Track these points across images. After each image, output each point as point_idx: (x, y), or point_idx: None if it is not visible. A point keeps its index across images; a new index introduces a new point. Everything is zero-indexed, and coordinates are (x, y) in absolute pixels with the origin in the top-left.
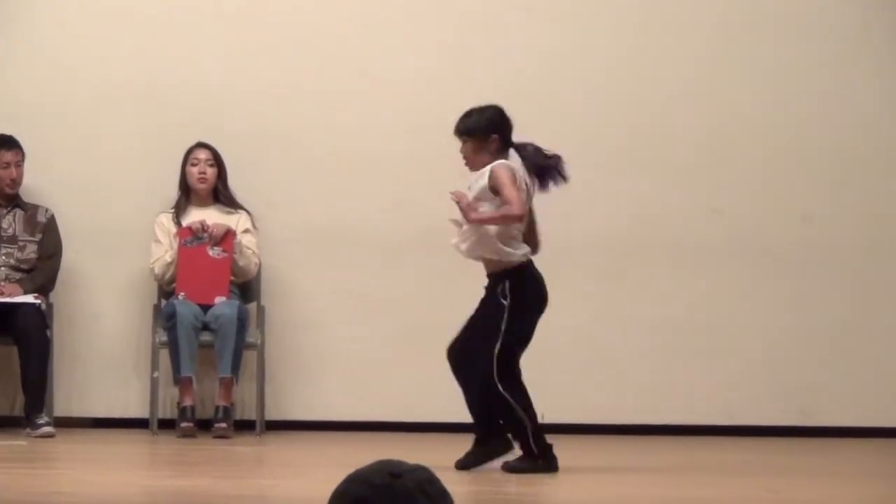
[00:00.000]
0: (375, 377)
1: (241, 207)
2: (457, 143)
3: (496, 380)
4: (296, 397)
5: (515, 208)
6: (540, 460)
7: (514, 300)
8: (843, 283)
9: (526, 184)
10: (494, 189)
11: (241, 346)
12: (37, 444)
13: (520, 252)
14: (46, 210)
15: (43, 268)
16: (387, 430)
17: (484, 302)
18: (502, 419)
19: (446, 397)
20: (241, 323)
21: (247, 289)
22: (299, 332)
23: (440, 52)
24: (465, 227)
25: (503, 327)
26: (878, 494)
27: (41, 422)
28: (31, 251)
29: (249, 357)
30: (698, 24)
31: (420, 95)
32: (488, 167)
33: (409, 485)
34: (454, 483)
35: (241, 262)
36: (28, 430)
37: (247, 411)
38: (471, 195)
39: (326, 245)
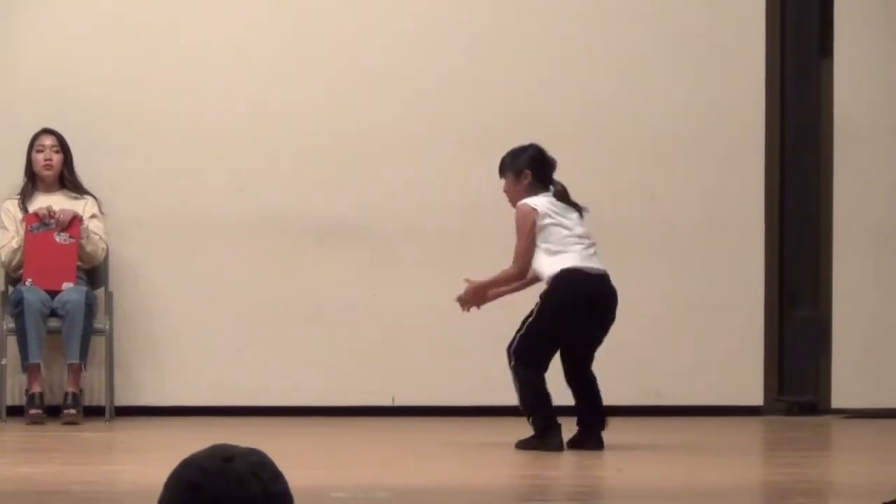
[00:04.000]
0: (225, 362)
1: (88, 193)
2: (297, 126)
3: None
4: (145, 383)
5: (513, 267)
6: (537, 439)
7: (544, 302)
8: (692, 262)
9: (554, 212)
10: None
11: (89, 331)
12: None
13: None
14: None
15: None
16: (237, 415)
17: None
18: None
19: (294, 381)
20: (89, 308)
21: (94, 274)
22: (148, 317)
23: (282, 35)
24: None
25: (530, 320)
26: (726, 471)
27: None
28: None
29: (98, 343)
30: (550, 8)
31: (263, 79)
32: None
33: (241, 468)
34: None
35: (89, 248)
36: None
37: (96, 397)
38: None
39: (173, 230)
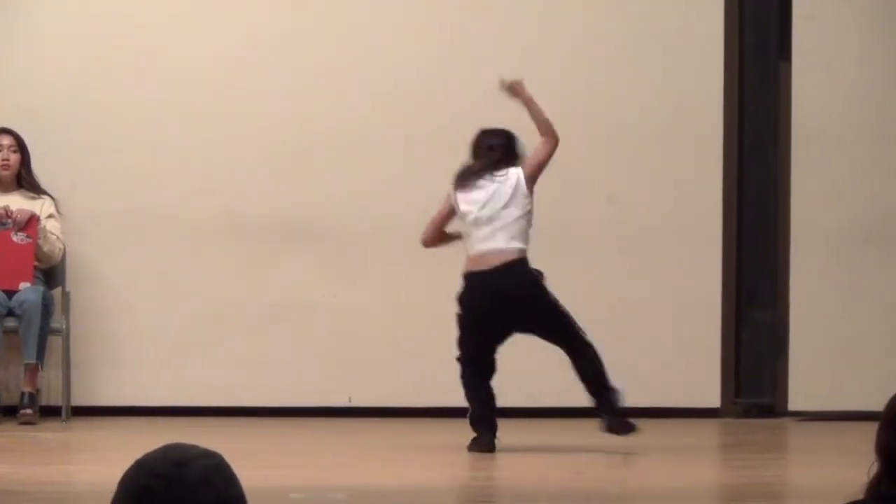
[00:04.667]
0: (182, 361)
1: (45, 193)
2: (258, 124)
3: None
4: (102, 383)
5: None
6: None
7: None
8: (650, 263)
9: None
10: None
11: (45, 331)
12: None
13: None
14: None
15: None
16: (195, 415)
17: None
18: None
19: (252, 380)
20: (46, 308)
21: (51, 274)
22: (105, 316)
23: (246, 33)
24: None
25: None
26: (684, 473)
27: None
28: None
29: (55, 343)
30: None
31: (220, 76)
32: None
33: (193, 473)
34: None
35: (46, 248)
36: None
37: (52, 397)
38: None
39: (132, 229)
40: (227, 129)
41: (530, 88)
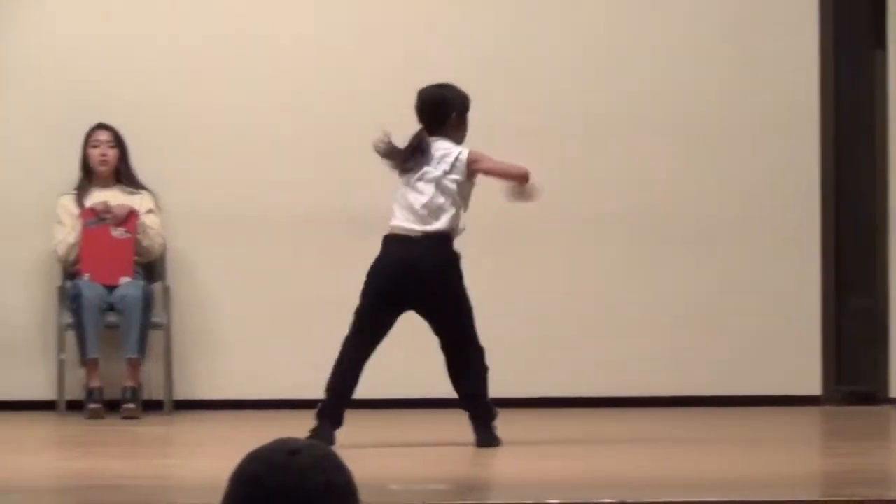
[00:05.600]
0: (281, 355)
1: (144, 187)
2: (356, 125)
3: None
4: (203, 376)
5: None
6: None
7: None
8: (750, 254)
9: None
10: None
11: (146, 326)
12: None
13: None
14: None
15: None
16: (293, 408)
17: None
18: None
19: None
20: (147, 303)
21: (152, 269)
22: (205, 311)
23: (337, 31)
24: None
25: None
26: (784, 462)
27: None
28: None
29: (156, 337)
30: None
31: (313, 74)
32: None
33: (305, 461)
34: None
35: (145, 243)
36: None
37: (154, 391)
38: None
39: (230, 223)
40: (322, 125)
41: (622, 80)
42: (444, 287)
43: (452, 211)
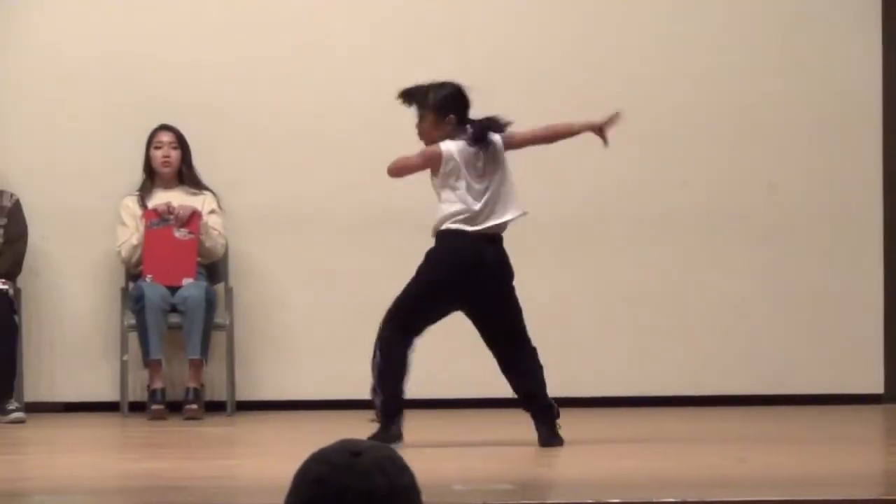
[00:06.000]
0: (343, 355)
1: (207, 188)
2: (411, 123)
3: (379, 332)
4: (265, 377)
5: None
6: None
7: (424, 265)
8: (810, 250)
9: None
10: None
11: (209, 327)
12: (7, 430)
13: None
14: (11, 195)
15: (8, 253)
16: (357, 408)
17: None
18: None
19: (414, 374)
20: (209, 304)
21: (214, 270)
22: (267, 311)
23: (403, 31)
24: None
25: (409, 286)
26: (845, 460)
27: (11, 408)
28: None
29: (218, 338)
30: None
31: (383, 75)
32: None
33: (368, 462)
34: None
35: (208, 244)
36: None
37: (217, 392)
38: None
39: (292, 224)
40: (384, 123)
41: (686, 79)
42: (504, 285)
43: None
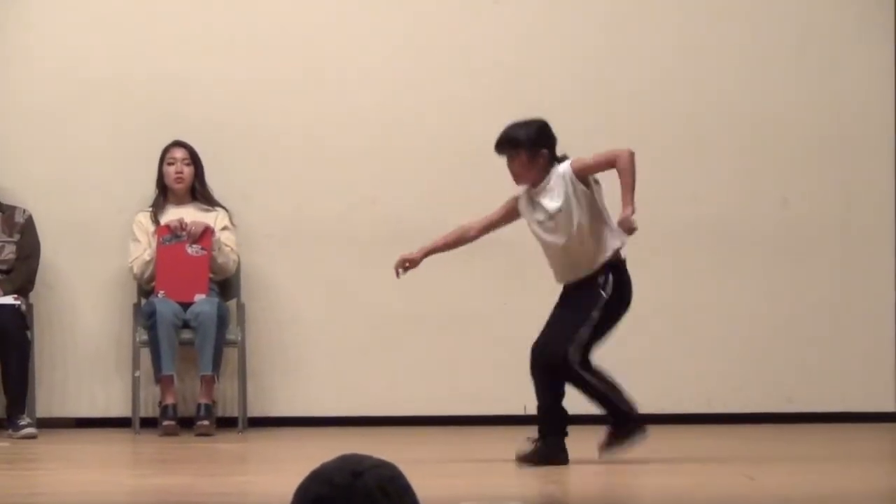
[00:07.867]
0: (356, 372)
1: (219, 205)
2: (430, 138)
3: (572, 364)
4: (277, 393)
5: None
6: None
7: (614, 294)
8: (822, 267)
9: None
10: (584, 180)
11: (221, 343)
12: (19, 445)
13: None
14: (24, 210)
15: (21, 268)
16: (368, 425)
17: (572, 296)
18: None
19: (426, 391)
20: (221, 320)
21: (226, 286)
22: (279, 328)
23: (415, 50)
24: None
25: (595, 315)
26: (856, 479)
27: (23, 423)
28: (9, 252)
29: (230, 354)
30: (675, 8)
31: (395, 91)
32: (558, 177)
33: (369, 483)
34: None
35: (220, 260)
36: (10, 431)
37: (228, 408)
38: (544, 213)
39: (304, 241)
40: (395, 139)
41: (699, 94)
42: None
43: None
